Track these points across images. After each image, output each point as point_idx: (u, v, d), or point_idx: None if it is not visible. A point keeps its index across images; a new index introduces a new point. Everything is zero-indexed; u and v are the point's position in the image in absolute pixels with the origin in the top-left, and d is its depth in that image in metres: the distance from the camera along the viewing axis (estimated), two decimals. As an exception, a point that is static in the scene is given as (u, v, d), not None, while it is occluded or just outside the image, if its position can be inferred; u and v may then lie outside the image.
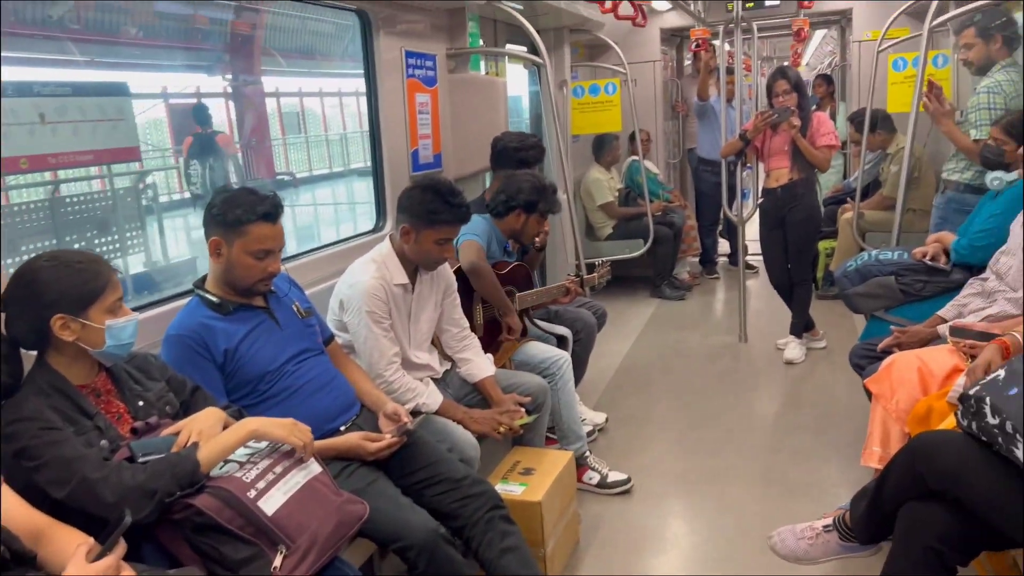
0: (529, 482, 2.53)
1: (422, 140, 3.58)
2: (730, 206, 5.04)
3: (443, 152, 3.77)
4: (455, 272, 2.82)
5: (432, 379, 2.62)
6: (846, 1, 6.46)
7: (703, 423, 3.74)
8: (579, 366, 3.51)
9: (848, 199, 5.46)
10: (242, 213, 1.97)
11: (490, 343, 3.03)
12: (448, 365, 2.77)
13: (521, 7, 4.31)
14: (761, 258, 4.77)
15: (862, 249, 4.21)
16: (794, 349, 4.48)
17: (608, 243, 5.87)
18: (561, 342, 3.35)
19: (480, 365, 2.74)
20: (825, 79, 7.16)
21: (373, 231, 3.45)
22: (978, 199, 3.23)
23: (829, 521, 2.13)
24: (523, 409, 2.64)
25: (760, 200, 4.57)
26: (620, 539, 2.81)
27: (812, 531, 2.14)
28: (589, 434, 3.46)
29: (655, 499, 3.06)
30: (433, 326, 2.68)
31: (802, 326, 4.55)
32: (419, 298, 2.59)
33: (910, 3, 5.01)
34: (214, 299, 2.04)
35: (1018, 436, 1.59)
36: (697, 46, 5.34)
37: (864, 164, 5.23)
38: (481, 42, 4.13)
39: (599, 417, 3.71)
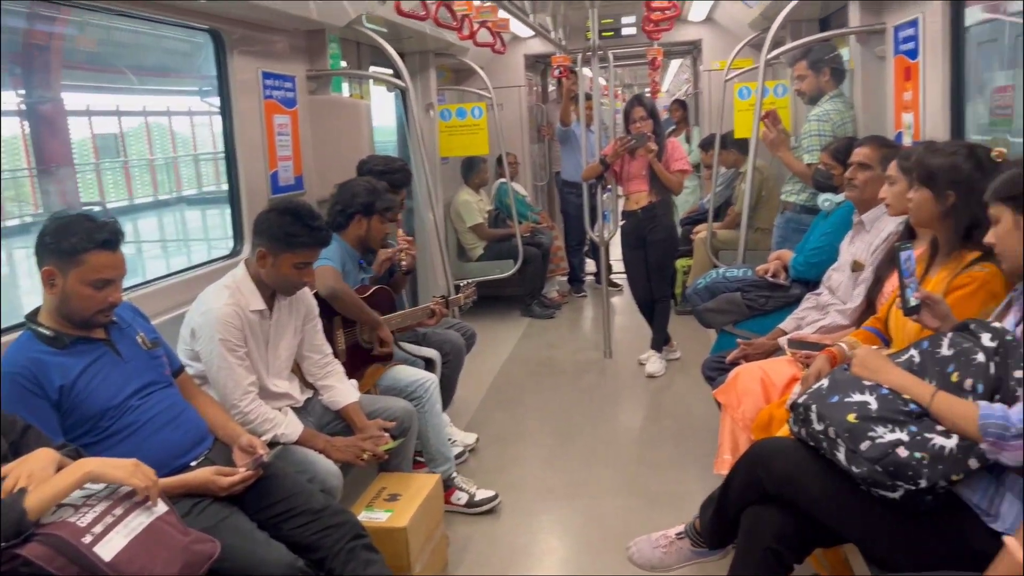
0: (394, 508, 2.50)
1: (282, 162, 3.51)
2: (592, 227, 5.22)
3: (305, 174, 3.70)
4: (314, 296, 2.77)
5: (292, 408, 2.56)
6: (695, 32, 6.88)
7: (571, 438, 3.83)
8: (448, 388, 3.52)
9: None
10: (78, 241, 1.87)
11: (354, 368, 2.99)
12: (310, 393, 2.70)
13: (384, 30, 4.31)
14: (625, 277, 4.96)
15: (715, 266, 4.45)
16: (655, 363, 4.66)
17: (479, 264, 5.95)
18: (428, 365, 3.34)
19: (343, 391, 2.69)
20: (681, 104, 7.56)
21: (230, 256, 3.34)
22: (812, 219, 3.48)
23: (681, 529, 2.23)
24: (387, 434, 2.62)
25: (622, 222, 4.75)
26: (489, 559, 2.82)
27: (666, 539, 2.23)
28: (460, 455, 3.47)
29: (524, 516, 3.10)
30: (293, 353, 2.62)
31: (662, 341, 4.75)
32: (277, 324, 2.52)
33: (752, 36, 5.40)
34: (48, 332, 1.92)
35: (840, 441, 1.72)
36: (559, 72, 5.52)
37: (716, 186, 5.54)
38: (343, 64, 4.10)
39: (469, 438, 3.72)
